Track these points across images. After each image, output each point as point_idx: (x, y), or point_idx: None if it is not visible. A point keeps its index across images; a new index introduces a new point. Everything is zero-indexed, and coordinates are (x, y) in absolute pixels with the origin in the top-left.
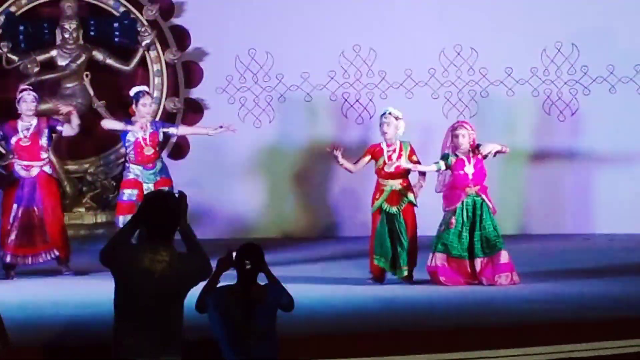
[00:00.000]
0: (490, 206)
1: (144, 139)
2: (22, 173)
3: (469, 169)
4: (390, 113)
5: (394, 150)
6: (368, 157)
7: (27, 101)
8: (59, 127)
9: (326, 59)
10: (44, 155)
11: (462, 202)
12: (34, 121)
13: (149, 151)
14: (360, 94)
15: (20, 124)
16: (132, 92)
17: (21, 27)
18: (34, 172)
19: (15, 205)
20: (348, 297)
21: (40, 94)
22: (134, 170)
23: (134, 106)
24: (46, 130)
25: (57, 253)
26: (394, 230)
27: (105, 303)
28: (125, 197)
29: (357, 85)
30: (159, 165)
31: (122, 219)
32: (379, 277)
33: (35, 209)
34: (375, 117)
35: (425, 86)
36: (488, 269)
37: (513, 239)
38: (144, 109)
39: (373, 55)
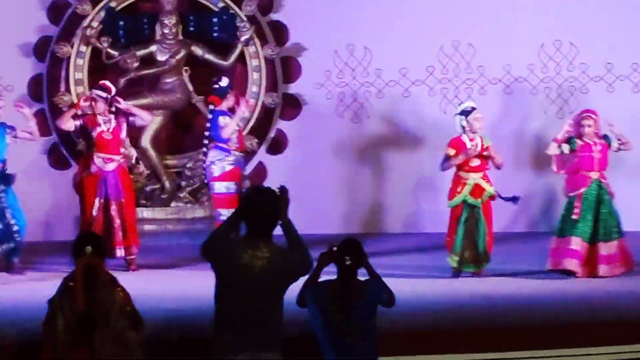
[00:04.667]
0: (610, 191)
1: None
2: (101, 165)
3: (596, 154)
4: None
5: (476, 145)
6: (453, 151)
7: (88, 100)
8: (130, 118)
9: (425, 54)
10: (122, 149)
11: (588, 186)
12: (112, 116)
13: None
14: (459, 89)
15: (100, 118)
16: (225, 83)
17: (121, 23)
18: (114, 165)
19: (97, 199)
20: (445, 292)
21: (140, 89)
22: (237, 158)
23: (227, 96)
24: (124, 125)
25: (135, 250)
26: (474, 224)
27: (206, 297)
28: (222, 190)
29: (456, 81)
30: None
31: (223, 212)
32: (460, 271)
33: (114, 202)
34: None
35: (524, 82)
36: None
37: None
38: (232, 102)
39: (472, 51)
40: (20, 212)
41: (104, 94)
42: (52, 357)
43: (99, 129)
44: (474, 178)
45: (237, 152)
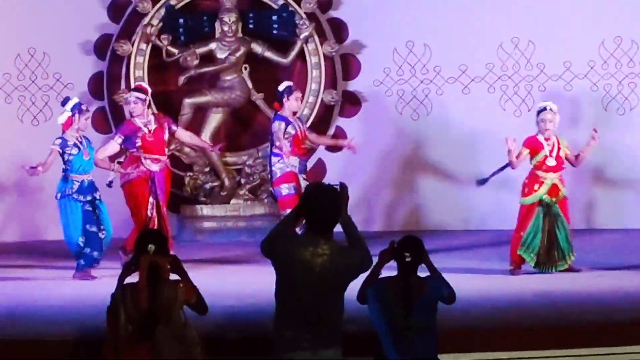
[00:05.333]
0: None
1: (302, 133)
2: (150, 166)
3: None
4: (551, 109)
5: (553, 145)
6: (527, 151)
7: (129, 103)
8: (173, 127)
9: (484, 51)
10: (166, 150)
11: None
12: (152, 117)
13: (304, 144)
14: (519, 86)
15: (138, 121)
16: (281, 87)
17: (181, 20)
18: (159, 166)
19: (151, 199)
20: (505, 289)
21: (200, 87)
22: (291, 162)
23: (285, 100)
24: (166, 125)
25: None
26: (552, 223)
27: (265, 294)
28: (286, 192)
29: (516, 78)
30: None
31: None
32: (519, 268)
33: (160, 202)
34: (534, 111)
35: (584, 78)
36: None
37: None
38: (295, 103)
39: (531, 48)
40: (109, 224)
41: (143, 96)
42: (113, 349)
43: (140, 133)
44: (551, 178)
45: (292, 156)
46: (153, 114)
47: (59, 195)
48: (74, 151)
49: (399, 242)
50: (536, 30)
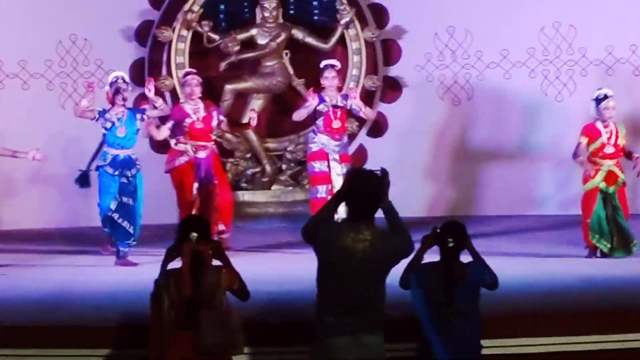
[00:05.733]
0: None
1: (335, 112)
2: (196, 153)
3: None
4: (612, 96)
5: (611, 132)
6: (586, 140)
7: (191, 85)
8: (221, 117)
9: (526, 35)
10: (213, 137)
11: None
12: (201, 104)
13: (337, 124)
14: (560, 71)
15: (188, 107)
16: (321, 65)
17: (222, 7)
18: (206, 152)
19: (195, 184)
20: (550, 275)
21: (241, 73)
22: (321, 140)
23: (321, 79)
24: (215, 114)
25: (222, 227)
26: (611, 210)
27: (306, 280)
28: (317, 169)
29: (557, 63)
30: (344, 139)
31: (320, 189)
32: (594, 252)
33: (210, 186)
34: (576, 95)
35: (626, 63)
36: None
37: None
38: (326, 82)
39: (573, 32)
40: (142, 204)
41: (201, 80)
42: (158, 334)
43: (189, 120)
44: (608, 165)
45: (323, 134)
46: (202, 100)
47: (95, 165)
48: (107, 125)
49: (442, 228)
50: (577, 14)
